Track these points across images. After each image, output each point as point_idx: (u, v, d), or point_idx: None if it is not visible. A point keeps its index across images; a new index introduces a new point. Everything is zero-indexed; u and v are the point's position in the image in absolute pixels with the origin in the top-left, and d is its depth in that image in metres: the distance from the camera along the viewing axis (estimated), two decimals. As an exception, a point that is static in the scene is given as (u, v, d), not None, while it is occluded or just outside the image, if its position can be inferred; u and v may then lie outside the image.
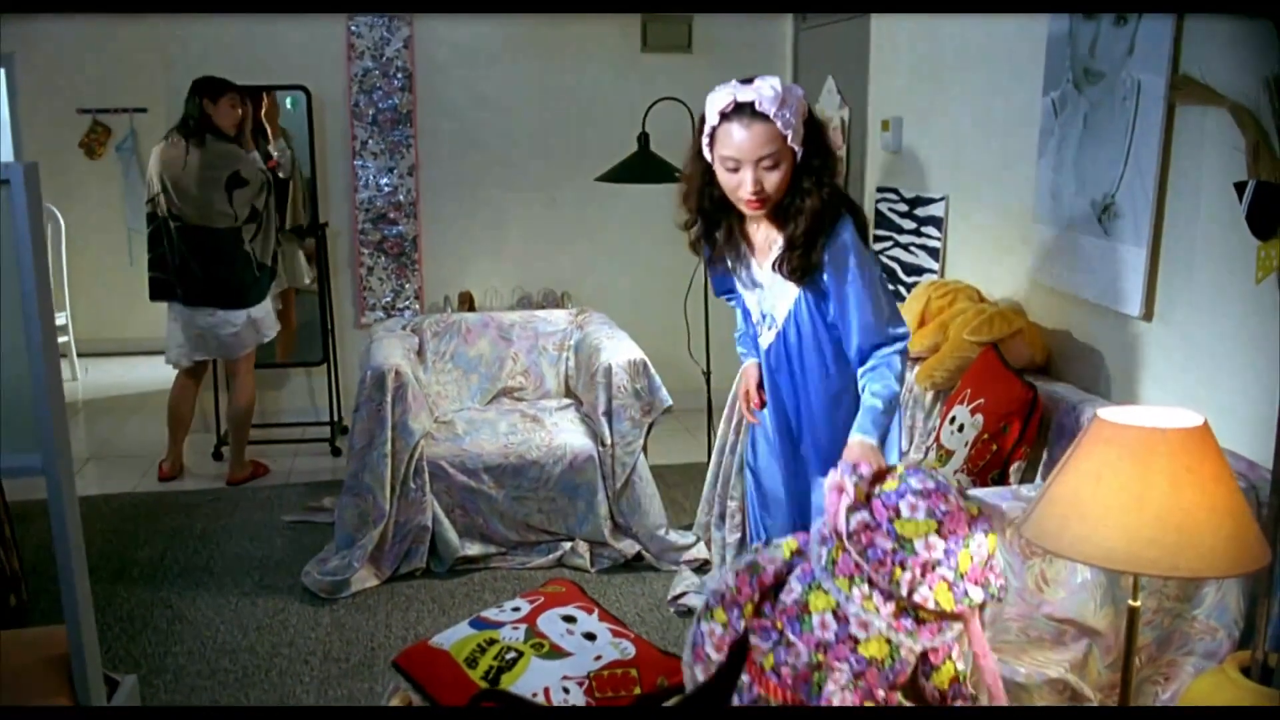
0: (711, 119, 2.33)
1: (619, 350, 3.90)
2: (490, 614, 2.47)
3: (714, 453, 3.69)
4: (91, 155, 7.02)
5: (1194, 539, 1.55)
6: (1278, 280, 2.34)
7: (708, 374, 4.36)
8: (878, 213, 4.48)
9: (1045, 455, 2.88)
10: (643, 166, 4.10)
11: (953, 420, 3.04)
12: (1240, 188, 2.34)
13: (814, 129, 2.35)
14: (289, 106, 5.07)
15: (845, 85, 4.84)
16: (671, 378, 3.91)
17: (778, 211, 2.38)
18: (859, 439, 2.29)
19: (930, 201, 4.06)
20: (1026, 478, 2.87)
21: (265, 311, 4.64)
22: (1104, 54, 2.94)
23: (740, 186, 2.32)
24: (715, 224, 2.51)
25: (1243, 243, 2.41)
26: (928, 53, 4.08)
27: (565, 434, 3.89)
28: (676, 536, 3.82)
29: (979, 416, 2.90)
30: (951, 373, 3.24)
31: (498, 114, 5.37)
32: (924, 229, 4.11)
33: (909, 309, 3.59)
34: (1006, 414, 2.80)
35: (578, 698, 2.21)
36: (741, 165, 2.29)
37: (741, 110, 2.27)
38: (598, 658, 2.31)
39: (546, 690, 2.20)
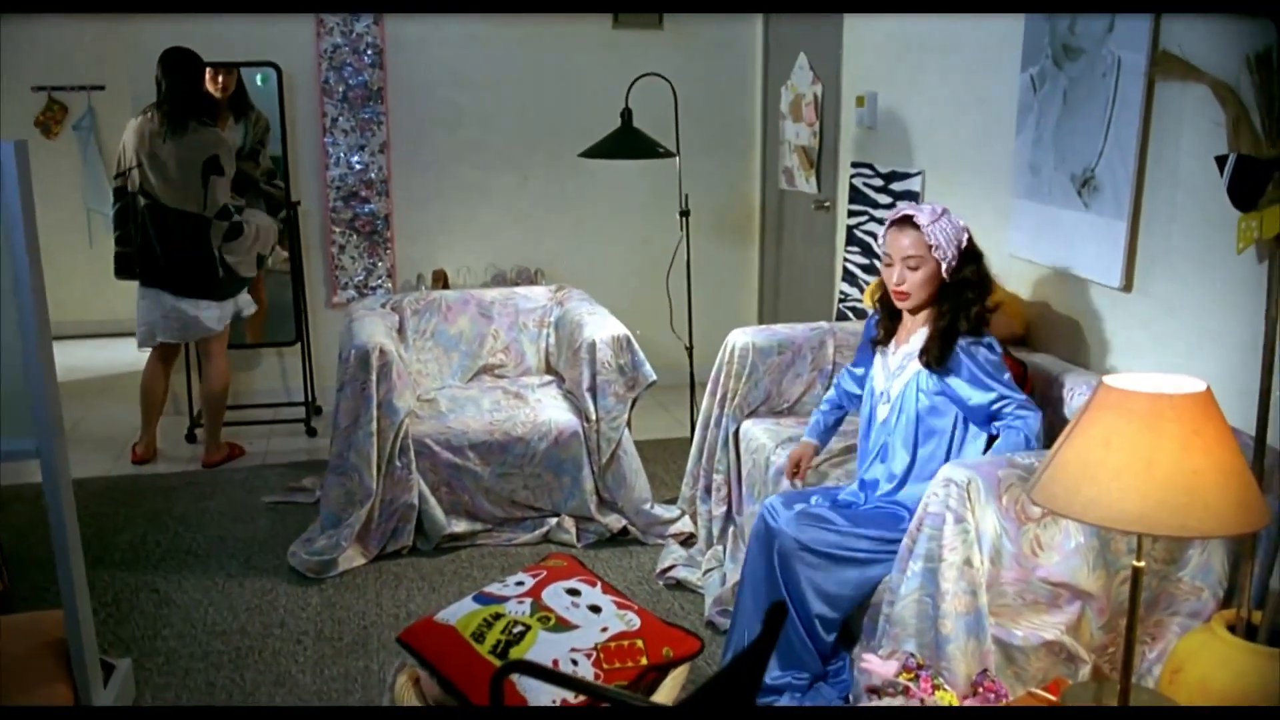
0: None
1: (602, 326, 3.92)
2: (494, 589, 2.49)
3: (698, 427, 3.73)
4: (48, 134, 6.86)
5: (1202, 500, 1.61)
6: (1257, 251, 2.42)
7: (690, 349, 4.40)
8: (853, 188, 4.53)
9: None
10: (626, 142, 4.11)
11: (937, 392, 3.10)
12: (1221, 161, 2.40)
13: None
14: (259, 83, 5.00)
15: (818, 61, 4.87)
16: (647, 354, 3.93)
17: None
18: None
19: (906, 176, 4.11)
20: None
21: (235, 300, 4.58)
22: (1084, 30, 3.00)
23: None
24: None
25: (1221, 215, 2.48)
26: (902, 28, 4.12)
27: (549, 410, 3.91)
28: (661, 510, 3.86)
29: (967, 387, 2.96)
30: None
31: (469, 90, 5.34)
32: (900, 203, 4.15)
33: (889, 283, 3.64)
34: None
35: (586, 669, 2.24)
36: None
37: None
38: (604, 629, 2.34)
39: (555, 662, 2.23)
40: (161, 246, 4.35)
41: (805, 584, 2.61)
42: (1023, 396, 2.65)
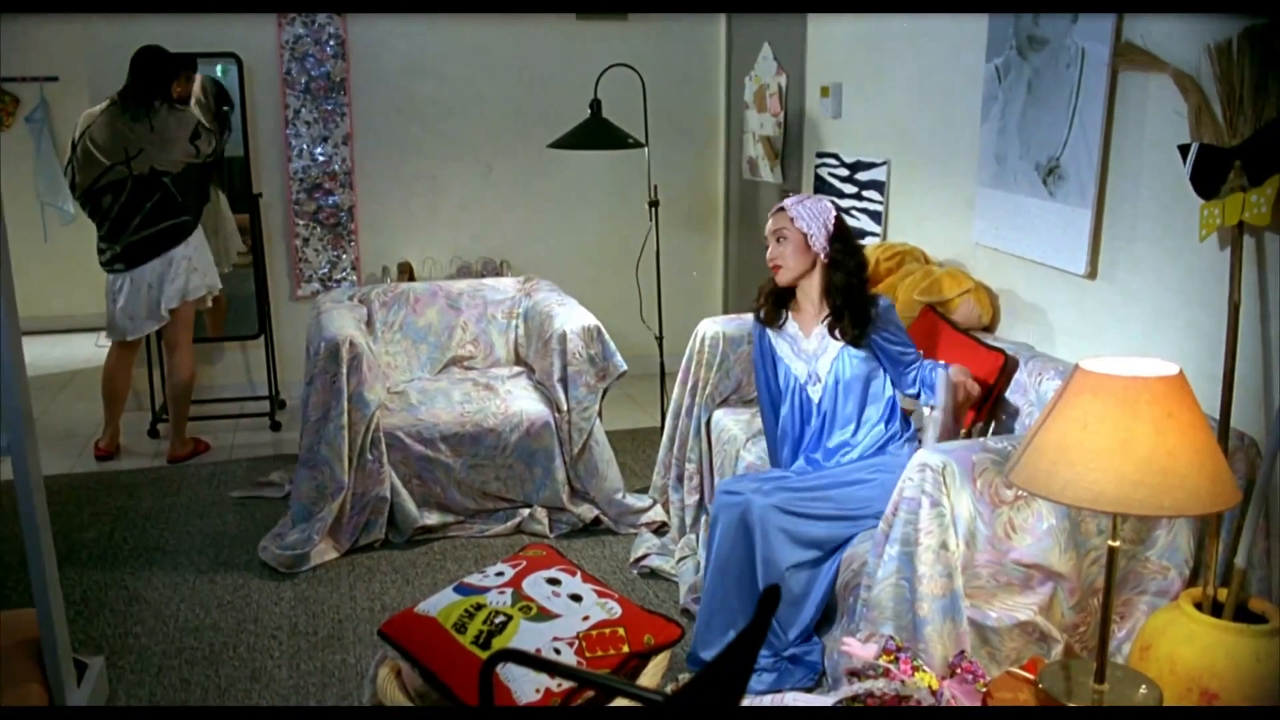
0: None
1: (572, 317, 3.93)
2: (474, 579, 2.49)
3: (669, 416, 3.75)
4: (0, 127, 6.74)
5: (1177, 480, 1.66)
6: (1219, 238, 2.48)
7: (660, 338, 4.41)
8: (818, 178, 4.57)
9: (999, 409, 3.00)
10: (596, 132, 4.11)
11: (907, 379, 3.14)
12: (1184, 150, 2.46)
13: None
14: (219, 74, 4.94)
15: (782, 51, 4.90)
16: (616, 344, 3.94)
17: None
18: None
19: (872, 166, 4.15)
20: (982, 432, 2.99)
21: (201, 255, 4.53)
22: (1048, 21, 3.04)
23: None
24: None
25: (1184, 203, 2.54)
26: (867, 19, 4.15)
27: (520, 401, 3.91)
28: (633, 500, 3.88)
29: (940, 375, 3.01)
30: (903, 333, 3.35)
31: (433, 82, 5.31)
32: (865, 193, 4.20)
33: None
34: (976, 378, 2.92)
35: (569, 657, 2.25)
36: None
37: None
38: (585, 618, 2.35)
39: (538, 651, 2.23)
40: (132, 221, 4.33)
41: (778, 538, 2.71)
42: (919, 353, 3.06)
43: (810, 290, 3.07)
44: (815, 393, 3.05)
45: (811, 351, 3.06)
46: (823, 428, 3.04)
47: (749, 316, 3.69)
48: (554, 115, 4.92)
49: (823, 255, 3.00)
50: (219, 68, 4.94)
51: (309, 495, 3.64)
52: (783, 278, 3.06)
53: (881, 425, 3.00)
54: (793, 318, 3.13)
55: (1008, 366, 2.95)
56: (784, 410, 3.11)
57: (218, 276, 4.66)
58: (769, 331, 3.15)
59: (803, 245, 3.01)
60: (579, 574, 2.53)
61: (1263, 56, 2.24)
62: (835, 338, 3.01)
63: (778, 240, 3.04)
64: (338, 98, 5.16)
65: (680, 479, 3.67)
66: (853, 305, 2.98)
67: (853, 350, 2.99)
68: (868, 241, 4.11)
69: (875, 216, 4.14)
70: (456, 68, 5.32)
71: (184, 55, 4.50)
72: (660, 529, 3.79)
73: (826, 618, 2.73)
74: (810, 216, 3.00)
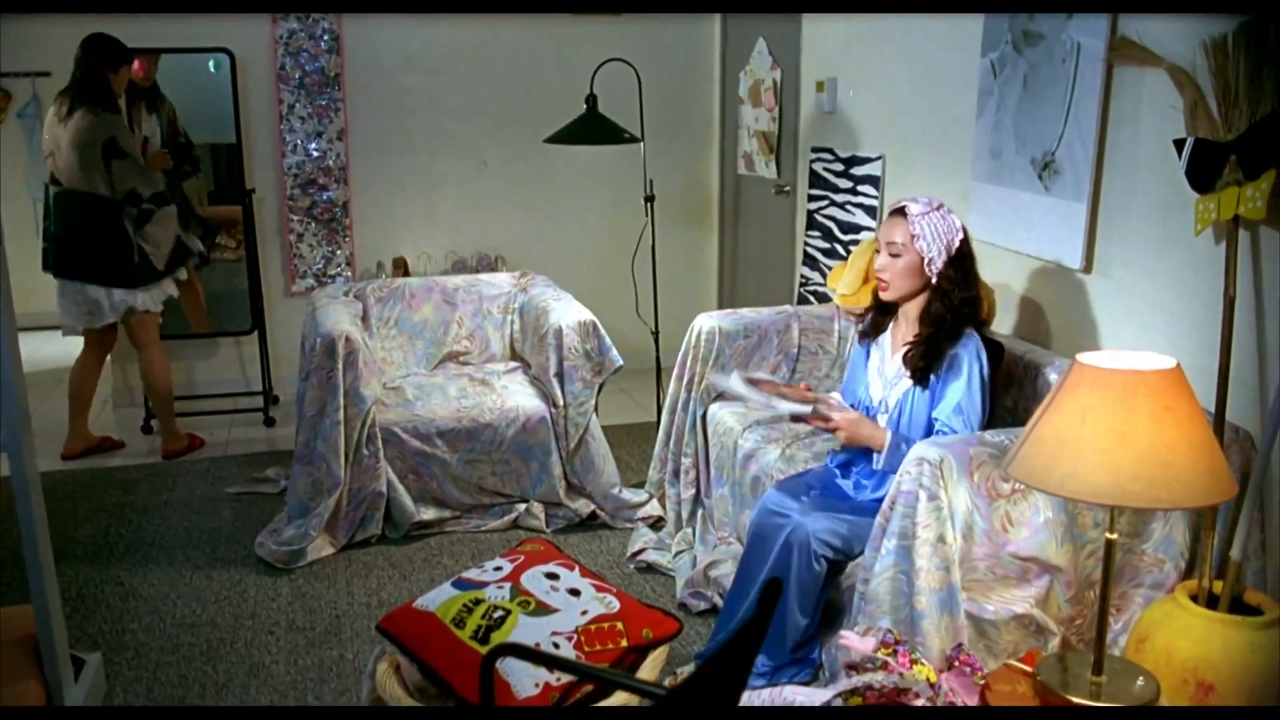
0: None
1: (568, 312, 3.93)
2: (472, 574, 2.49)
3: (665, 411, 3.75)
4: (-9, 122, 6.70)
5: (1175, 472, 1.67)
6: (1214, 232, 2.48)
7: (656, 333, 4.42)
8: (813, 172, 4.57)
9: (995, 403, 3.00)
10: (592, 127, 4.11)
11: (903, 373, 3.15)
12: (1179, 145, 2.46)
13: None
14: (211, 69, 4.92)
15: (777, 46, 4.90)
16: (612, 339, 3.94)
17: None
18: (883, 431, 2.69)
19: (867, 160, 4.15)
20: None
21: (154, 289, 4.43)
22: (1043, 16, 3.05)
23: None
24: None
25: (1179, 197, 2.55)
26: (862, 15, 4.15)
27: (517, 396, 3.91)
28: (630, 495, 3.89)
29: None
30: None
31: (428, 77, 5.31)
32: (860, 188, 4.21)
33: (853, 266, 3.69)
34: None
35: (567, 652, 2.25)
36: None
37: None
38: (584, 612, 2.36)
39: (537, 646, 2.24)
40: (66, 231, 4.25)
41: (818, 561, 2.59)
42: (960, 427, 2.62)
43: (910, 310, 2.76)
44: (881, 421, 2.78)
45: (890, 376, 2.79)
46: (871, 456, 2.78)
47: (745, 311, 3.70)
48: (549, 110, 4.92)
49: (934, 278, 2.67)
50: (211, 62, 4.92)
51: (305, 491, 3.64)
52: (887, 296, 2.75)
53: None
54: (891, 330, 2.85)
55: (1003, 359, 2.95)
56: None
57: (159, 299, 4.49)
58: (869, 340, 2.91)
59: (917, 268, 2.67)
60: (577, 569, 2.53)
61: (1258, 51, 2.25)
62: (911, 377, 2.72)
63: (891, 254, 2.69)
64: (332, 93, 5.15)
65: (676, 473, 3.68)
66: (939, 341, 2.66)
67: (922, 391, 2.69)
68: (864, 236, 4.11)
69: (870, 211, 4.14)
70: (451, 63, 5.32)
71: (122, 45, 4.29)
72: (657, 524, 3.79)
73: (825, 619, 2.73)
74: (934, 236, 2.64)
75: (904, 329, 2.79)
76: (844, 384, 3.07)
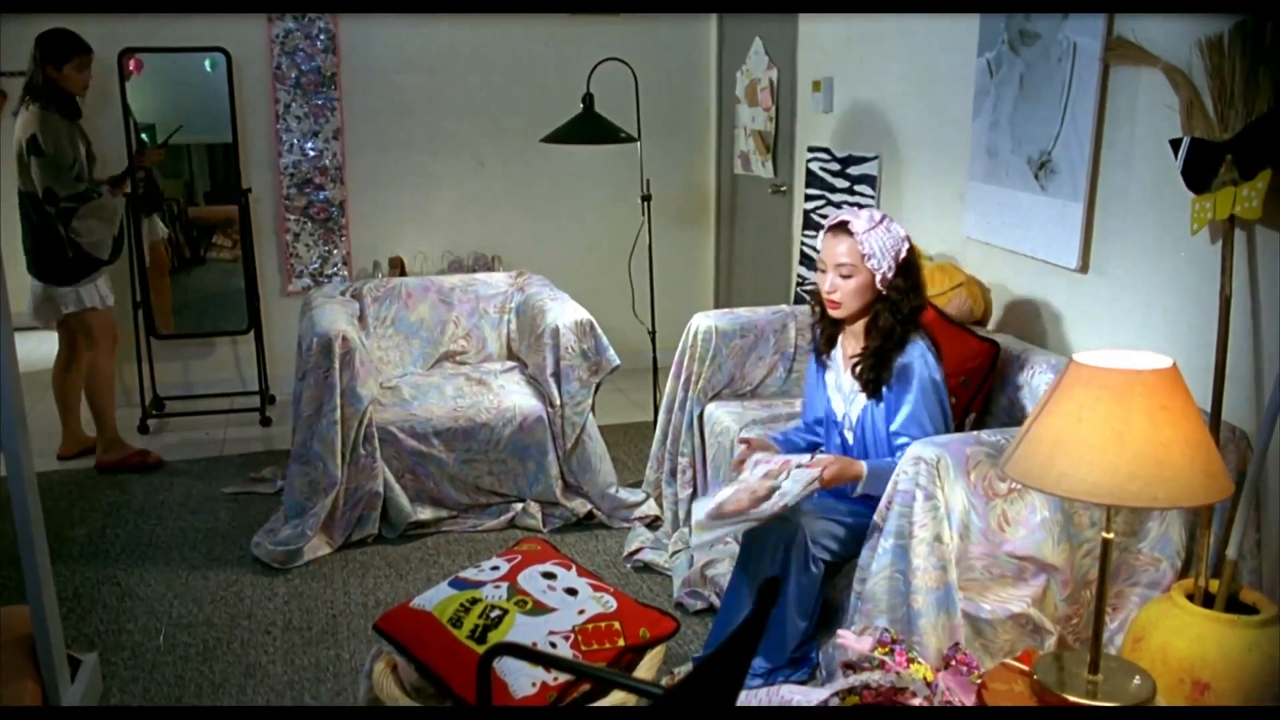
0: None
1: (565, 311, 3.93)
2: (469, 574, 2.49)
3: (661, 410, 3.75)
4: (-14, 121, 6.68)
5: (1171, 472, 1.67)
6: (1210, 232, 2.49)
7: (653, 333, 4.42)
8: (809, 172, 4.57)
9: (991, 402, 3.01)
10: (588, 127, 4.10)
11: (900, 372, 3.15)
12: (1175, 144, 2.47)
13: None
14: (208, 69, 4.92)
15: (773, 46, 4.90)
16: (609, 339, 3.95)
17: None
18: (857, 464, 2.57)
19: (863, 160, 4.16)
20: (975, 425, 3.00)
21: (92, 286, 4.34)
22: (1039, 16, 3.05)
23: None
24: None
25: (1176, 197, 2.55)
26: (859, 15, 4.15)
27: (513, 396, 3.91)
28: (626, 494, 3.89)
29: (932, 368, 3.01)
30: (896, 327, 3.35)
31: (424, 76, 5.30)
32: (857, 187, 4.21)
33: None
34: (967, 369, 2.92)
35: (565, 651, 2.25)
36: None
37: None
38: (581, 612, 2.36)
39: (534, 645, 2.24)
40: (22, 228, 4.25)
41: (815, 564, 2.57)
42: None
43: (856, 324, 2.73)
44: (849, 436, 2.77)
45: (847, 392, 2.76)
46: None
47: (742, 311, 3.70)
48: (546, 110, 4.92)
49: (884, 290, 2.63)
50: (207, 62, 4.92)
51: (302, 491, 3.63)
52: (839, 314, 2.69)
53: None
54: (842, 344, 2.80)
55: (998, 357, 2.96)
56: (826, 441, 2.88)
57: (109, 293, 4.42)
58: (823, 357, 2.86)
59: (869, 285, 2.62)
60: (574, 568, 2.53)
61: (1254, 51, 2.25)
62: (856, 376, 2.70)
63: (842, 275, 2.63)
64: (328, 92, 5.15)
65: (673, 473, 3.68)
66: (887, 353, 2.63)
67: (878, 405, 2.66)
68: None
69: (867, 211, 4.14)
70: (448, 62, 5.31)
71: (74, 38, 4.19)
72: (653, 523, 3.79)
73: (823, 619, 2.73)
74: (884, 252, 2.59)
75: (851, 343, 2.75)
76: (803, 406, 3.01)
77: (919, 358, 2.61)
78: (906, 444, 2.52)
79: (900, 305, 2.61)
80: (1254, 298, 2.41)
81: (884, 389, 2.64)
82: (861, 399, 2.71)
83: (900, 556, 2.31)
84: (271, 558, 3.54)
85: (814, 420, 2.92)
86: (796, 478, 2.52)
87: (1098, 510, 2.32)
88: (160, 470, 4.41)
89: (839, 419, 2.80)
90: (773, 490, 2.52)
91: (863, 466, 2.57)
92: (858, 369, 2.68)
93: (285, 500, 3.71)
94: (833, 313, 2.70)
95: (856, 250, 2.60)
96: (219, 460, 4.56)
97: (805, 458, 2.61)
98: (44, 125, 4.11)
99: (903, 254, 2.62)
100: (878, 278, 2.60)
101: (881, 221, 2.63)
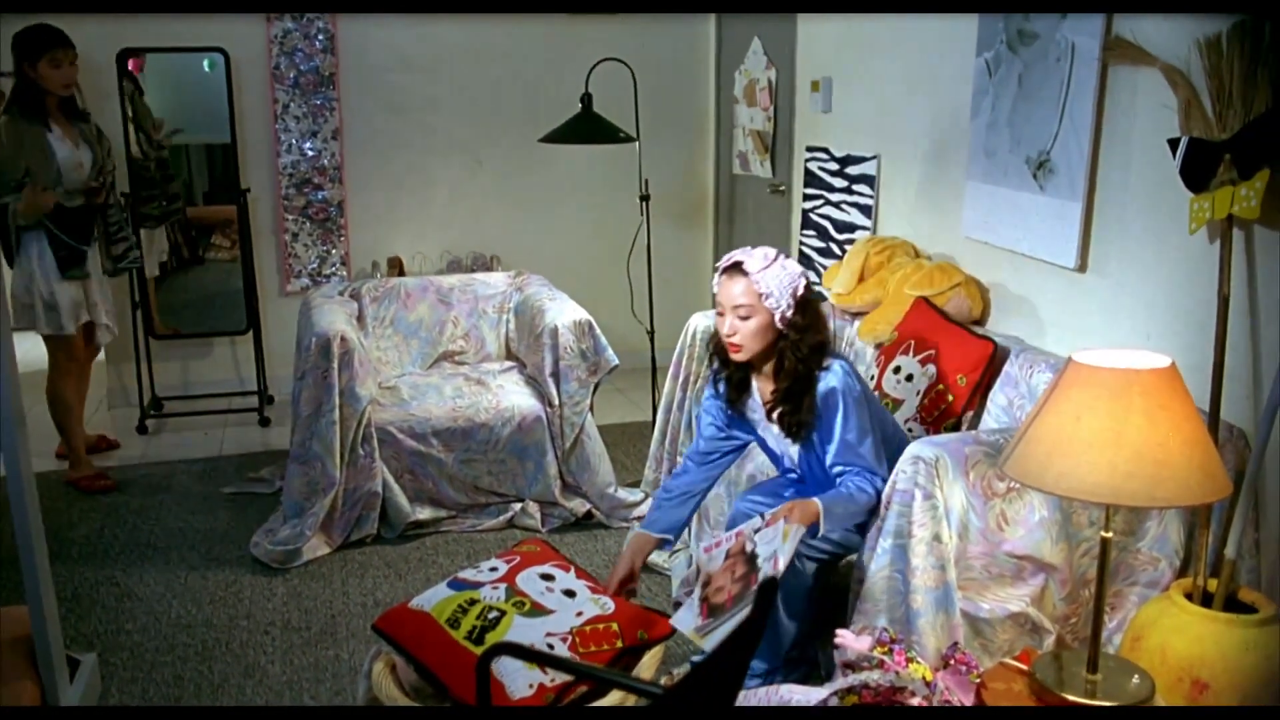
0: None
1: (563, 311, 3.93)
2: (467, 574, 2.49)
3: (660, 410, 3.75)
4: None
5: (1169, 471, 1.67)
6: (1208, 231, 2.49)
7: (651, 333, 4.42)
8: (808, 172, 4.57)
9: (989, 401, 3.00)
10: (587, 127, 4.10)
11: (898, 370, 3.16)
12: (1174, 144, 2.47)
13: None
14: (206, 69, 4.91)
15: (772, 46, 4.90)
16: (607, 339, 3.94)
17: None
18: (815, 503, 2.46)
19: (862, 160, 4.16)
20: (973, 424, 3.00)
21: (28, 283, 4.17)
22: (1038, 16, 3.05)
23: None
24: None
25: (1174, 196, 2.55)
26: (857, 15, 4.15)
27: (512, 396, 3.91)
28: (625, 494, 3.89)
29: (930, 367, 3.02)
30: (894, 326, 3.35)
31: (423, 76, 5.30)
32: (855, 187, 4.21)
33: (847, 265, 3.70)
34: (965, 367, 2.93)
35: (563, 653, 2.25)
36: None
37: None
38: (579, 613, 2.35)
39: (532, 646, 2.24)
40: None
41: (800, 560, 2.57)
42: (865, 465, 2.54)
43: (765, 365, 2.64)
44: (798, 473, 2.73)
45: (777, 434, 2.69)
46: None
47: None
48: (545, 110, 4.92)
49: (784, 329, 2.56)
50: (206, 62, 4.91)
51: (301, 491, 3.63)
52: (740, 357, 2.60)
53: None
54: (757, 386, 2.72)
55: (997, 356, 2.95)
56: (781, 474, 2.83)
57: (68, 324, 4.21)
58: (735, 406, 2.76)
59: (769, 325, 2.55)
60: (572, 570, 2.53)
61: (1252, 50, 2.25)
62: (775, 422, 2.64)
63: (740, 317, 2.55)
64: (327, 92, 5.15)
65: (672, 473, 3.67)
66: (800, 395, 2.57)
67: (808, 444, 2.62)
68: (859, 236, 4.12)
69: (865, 210, 4.14)
70: (446, 62, 5.31)
71: (48, 32, 4.03)
72: (652, 523, 3.78)
73: (821, 618, 2.73)
74: (781, 290, 2.52)
75: (765, 383, 2.68)
76: (695, 436, 2.91)
77: (837, 379, 2.55)
78: (844, 473, 2.52)
79: (800, 345, 2.54)
80: (1252, 297, 2.41)
81: (810, 431, 2.58)
82: (796, 444, 2.66)
83: (899, 556, 2.31)
84: (270, 558, 3.54)
85: (707, 450, 2.83)
86: (765, 538, 2.43)
87: (1096, 509, 2.32)
88: (115, 493, 4.19)
89: (780, 457, 2.76)
90: (753, 557, 2.44)
91: (817, 506, 2.48)
92: (779, 416, 2.62)
93: (284, 500, 3.71)
94: (735, 356, 2.61)
95: (753, 290, 2.52)
96: (218, 460, 4.56)
97: (757, 521, 2.52)
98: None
99: (800, 290, 2.55)
100: (777, 316, 2.53)
101: (776, 259, 2.56)
